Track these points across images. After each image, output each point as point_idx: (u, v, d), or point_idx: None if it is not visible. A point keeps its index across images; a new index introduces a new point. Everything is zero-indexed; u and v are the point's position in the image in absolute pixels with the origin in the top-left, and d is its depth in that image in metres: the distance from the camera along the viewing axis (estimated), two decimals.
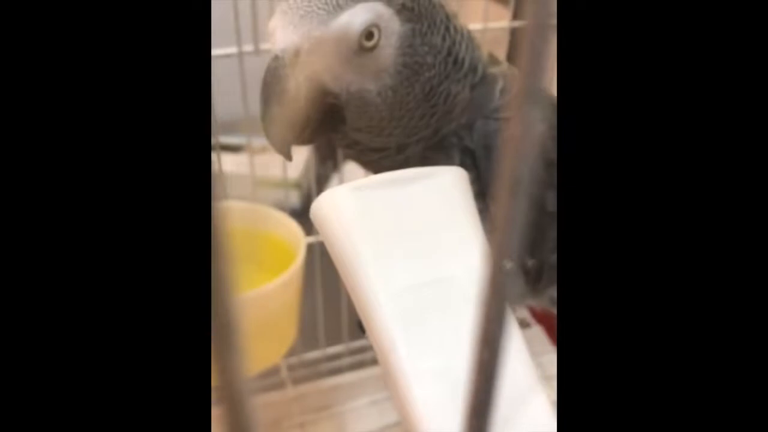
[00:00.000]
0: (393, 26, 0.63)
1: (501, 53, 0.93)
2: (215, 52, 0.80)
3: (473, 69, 0.69)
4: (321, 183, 1.27)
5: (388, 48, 0.63)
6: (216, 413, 0.22)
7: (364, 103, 0.64)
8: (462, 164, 0.66)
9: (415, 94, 0.66)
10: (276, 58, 0.60)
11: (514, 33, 1.02)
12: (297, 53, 0.60)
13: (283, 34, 0.60)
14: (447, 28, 0.67)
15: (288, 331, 0.87)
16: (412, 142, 0.69)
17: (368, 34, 0.61)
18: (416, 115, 0.67)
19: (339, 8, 0.60)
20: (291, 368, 1.09)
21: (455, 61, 0.67)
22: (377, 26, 0.61)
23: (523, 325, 0.97)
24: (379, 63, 0.63)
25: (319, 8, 0.61)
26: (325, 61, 0.61)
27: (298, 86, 0.61)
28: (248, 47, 0.87)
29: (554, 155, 0.39)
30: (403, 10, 0.63)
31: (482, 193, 0.65)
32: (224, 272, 0.17)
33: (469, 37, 0.69)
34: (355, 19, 0.61)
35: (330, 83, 0.62)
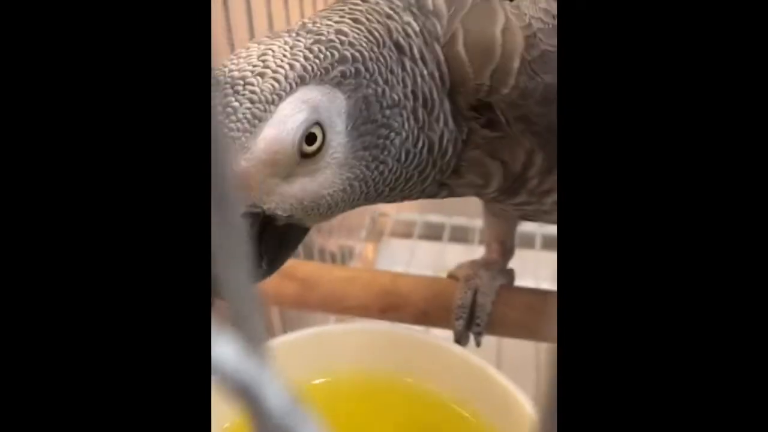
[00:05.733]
0: (337, 107, 0.50)
1: None
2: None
3: (446, 88, 0.54)
4: None
5: (339, 137, 0.50)
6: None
7: (328, 208, 0.53)
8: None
9: (390, 169, 0.54)
10: None
11: None
12: (245, 179, 0.48)
13: None
14: (403, 66, 0.53)
15: None
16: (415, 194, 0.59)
17: (309, 137, 0.49)
18: (402, 186, 0.56)
19: (258, 120, 0.47)
20: None
21: (426, 104, 0.53)
22: (319, 123, 0.49)
23: None
24: (332, 162, 0.51)
25: (237, 129, 0.46)
26: (259, 190, 0.49)
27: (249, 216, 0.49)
28: None
29: None
30: (343, 81, 0.50)
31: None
32: None
33: (425, 41, 0.53)
34: (285, 127, 0.48)
35: (274, 208, 0.50)
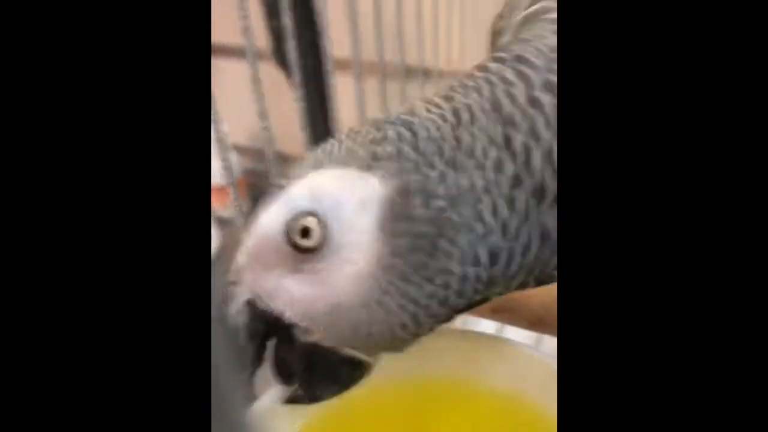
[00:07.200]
0: (361, 196, 0.40)
1: None
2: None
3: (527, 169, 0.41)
4: None
5: (355, 235, 0.40)
6: None
7: (354, 329, 0.41)
8: None
9: (463, 277, 0.41)
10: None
11: None
12: (237, 273, 0.42)
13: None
14: (508, 144, 0.41)
15: None
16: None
17: (302, 231, 0.40)
18: (505, 284, 0.43)
19: (260, 207, 0.42)
20: None
21: (536, 189, 0.41)
22: (314, 213, 0.40)
23: None
24: (344, 265, 0.40)
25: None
26: (261, 280, 0.41)
27: (241, 313, 0.42)
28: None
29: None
30: (374, 163, 0.40)
31: None
32: None
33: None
34: (271, 217, 0.41)
35: (282, 308, 0.42)
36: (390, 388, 0.58)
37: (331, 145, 0.42)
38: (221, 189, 0.80)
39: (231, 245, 0.44)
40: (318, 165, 0.41)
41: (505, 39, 0.51)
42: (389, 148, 0.40)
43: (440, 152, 0.40)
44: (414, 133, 0.41)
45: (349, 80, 0.78)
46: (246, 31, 0.63)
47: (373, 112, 0.80)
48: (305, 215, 0.40)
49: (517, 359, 0.63)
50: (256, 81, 0.66)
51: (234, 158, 1.12)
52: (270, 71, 0.98)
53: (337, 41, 0.75)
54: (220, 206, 1.34)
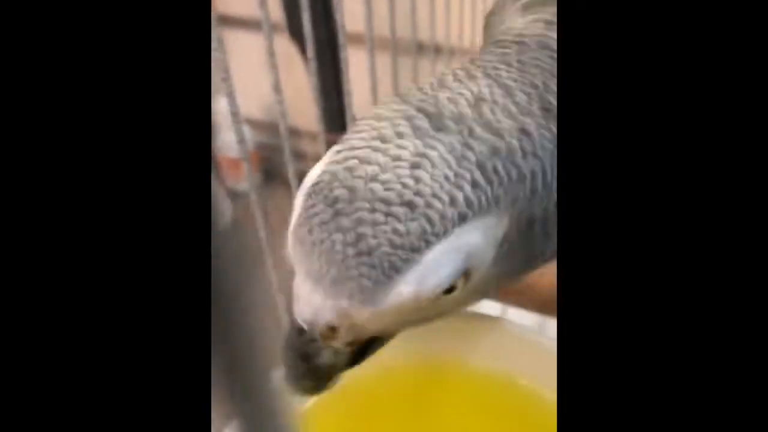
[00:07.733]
0: (495, 235, 0.40)
1: None
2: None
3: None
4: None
5: (482, 271, 0.41)
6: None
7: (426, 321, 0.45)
8: None
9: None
10: (302, 330, 0.41)
11: None
12: (332, 329, 0.40)
13: (308, 304, 0.39)
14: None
15: None
16: None
17: (449, 288, 0.39)
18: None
19: (396, 271, 0.37)
20: None
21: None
22: (467, 269, 0.39)
23: None
24: (460, 294, 0.41)
25: (360, 273, 0.37)
26: (377, 327, 0.41)
27: (336, 354, 0.42)
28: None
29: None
30: (514, 204, 0.40)
31: None
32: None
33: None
34: (425, 284, 0.38)
35: (383, 334, 0.44)
36: (389, 369, 0.59)
37: (471, 186, 0.38)
38: (235, 162, 0.80)
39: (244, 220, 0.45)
40: (461, 218, 0.38)
41: (506, 25, 0.51)
42: (528, 191, 0.40)
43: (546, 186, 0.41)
44: (544, 168, 0.40)
45: (360, 54, 0.77)
46: (263, 3, 0.63)
47: (386, 87, 0.80)
48: (459, 275, 0.39)
49: (515, 341, 0.64)
50: (271, 54, 0.66)
51: (247, 132, 1.13)
52: (284, 44, 0.98)
53: (349, 15, 0.75)
54: (234, 179, 1.35)
